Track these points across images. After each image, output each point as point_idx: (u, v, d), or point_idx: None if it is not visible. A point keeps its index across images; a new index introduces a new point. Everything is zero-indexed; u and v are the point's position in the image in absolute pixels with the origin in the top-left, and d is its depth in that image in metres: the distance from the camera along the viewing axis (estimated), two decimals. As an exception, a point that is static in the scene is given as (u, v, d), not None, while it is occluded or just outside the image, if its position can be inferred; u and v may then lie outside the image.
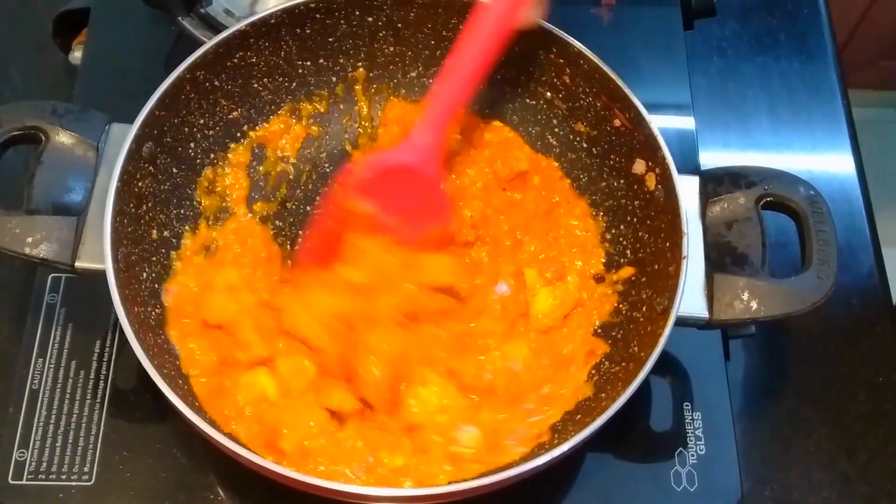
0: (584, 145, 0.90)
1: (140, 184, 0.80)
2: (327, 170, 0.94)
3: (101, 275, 0.72)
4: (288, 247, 0.89)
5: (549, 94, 0.90)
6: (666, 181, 0.78)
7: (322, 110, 0.94)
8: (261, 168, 0.91)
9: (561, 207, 0.89)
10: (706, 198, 0.79)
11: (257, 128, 0.91)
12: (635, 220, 0.84)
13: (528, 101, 0.92)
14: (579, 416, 0.77)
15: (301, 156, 0.94)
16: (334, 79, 0.94)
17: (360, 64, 0.94)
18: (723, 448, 0.84)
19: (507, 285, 0.86)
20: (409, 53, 0.94)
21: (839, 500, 0.85)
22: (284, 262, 0.88)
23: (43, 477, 0.80)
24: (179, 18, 0.97)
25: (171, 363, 0.76)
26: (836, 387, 0.91)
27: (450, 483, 0.70)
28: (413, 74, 0.95)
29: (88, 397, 0.84)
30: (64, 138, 0.79)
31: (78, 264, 0.75)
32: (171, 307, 0.80)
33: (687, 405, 0.86)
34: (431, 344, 0.79)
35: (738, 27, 1.13)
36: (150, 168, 0.81)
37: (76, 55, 1.04)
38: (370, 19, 0.91)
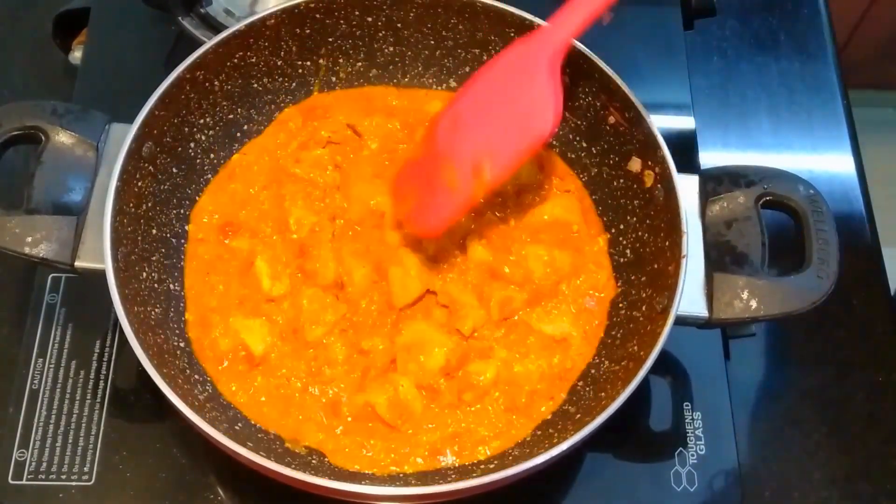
0: (584, 145, 0.90)
1: (140, 183, 0.80)
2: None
3: (101, 275, 0.72)
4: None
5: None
6: (666, 180, 0.78)
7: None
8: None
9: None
10: (706, 197, 0.79)
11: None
12: (635, 219, 0.84)
13: (527, 100, 0.92)
14: (579, 416, 0.77)
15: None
16: (334, 79, 0.94)
17: (359, 63, 0.94)
18: (723, 448, 0.84)
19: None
20: (409, 53, 0.94)
21: (839, 500, 0.85)
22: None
23: (43, 477, 0.80)
24: (179, 18, 0.97)
25: (172, 362, 0.76)
26: (836, 387, 0.91)
27: (450, 483, 0.70)
28: (413, 74, 0.95)
29: (88, 397, 0.84)
30: (64, 138, 0.79)
31: (78, 264, 0.75)
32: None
33: (687, 405, 0.86)
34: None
35: (738, 27, 1.13)
36: (150, 168, 0.81)
37: (76, 55, 1.05)
38: (370, 19, 0.91)
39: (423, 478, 0.76)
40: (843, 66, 1.11)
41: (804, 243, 0.76)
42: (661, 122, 0.80)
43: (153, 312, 0.78)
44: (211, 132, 0.88)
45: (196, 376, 0.79)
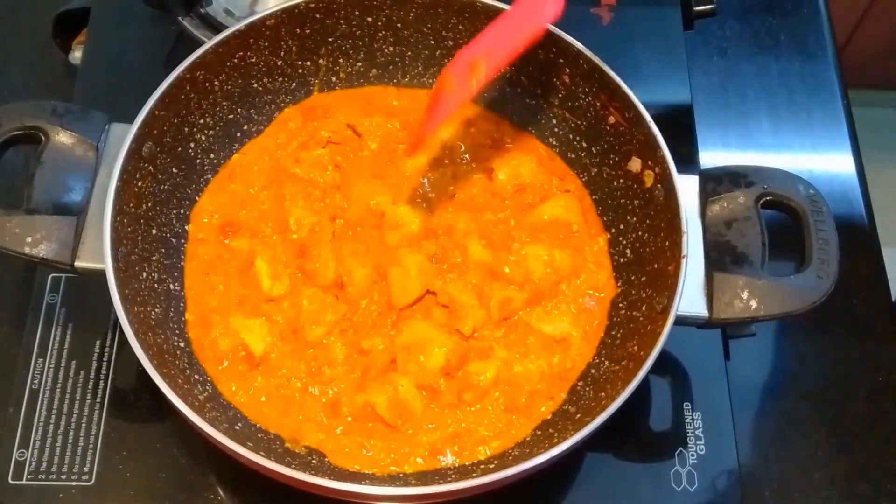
0: (584, 144, 0.90)
1: (140, 183, 0.80)
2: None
3: (101, 274, 0.72)
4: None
5: (548, 93, 0.90)
6: (665, 180, 0.78)
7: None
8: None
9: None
10: (706, 197, 0.79)
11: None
12: (635, 219, 0.84)
13: (527, 101, 0.92)
14: (579, 416, 0.77)
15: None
16: (334, 79, 0.94)
17: (359, 63, 0.94)
18: (723, 448, 0.84)
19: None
20: (409, 53, 0.94)
21: (839, 500, 0.85)
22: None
23: (43, 477, 0.80)
24: (179, 18, 0.97)
25: (172, 362, 0.76)
26: (836, 387, 0.91)
27: (450, 483, 0.70)
28: (413, 74, 0.95)
29: (88, 397, 0.84)
30: (64, 138, 0.79)
31: (78, 264, 0.75)
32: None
33: (687, 405, 0.86)
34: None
35: (738, 27, 1.13)
36: (150, 168, 0.81)
37: (76, 55, 1.05)
38: (370, 19, 0.91)
39: (423, 478, 0.76)
40: (843, 66, 1.11)
41: (804, 243, 0.76)
42: (661, 123, 0.80)
43: (153, 312, 0.78)
44: (211, 132, 0.88)
45: (196, 376, 0.79)
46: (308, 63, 0.92)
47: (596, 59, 0.83)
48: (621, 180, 0.86)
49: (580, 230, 0.87)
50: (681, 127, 1.00)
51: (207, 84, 0.85)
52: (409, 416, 0.78)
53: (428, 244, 0.85)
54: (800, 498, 0.85)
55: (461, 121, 0.92)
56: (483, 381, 0.80)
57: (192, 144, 0.87)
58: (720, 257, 0.77)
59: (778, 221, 0.79)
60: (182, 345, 0.80)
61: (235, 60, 0.87)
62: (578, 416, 0.78)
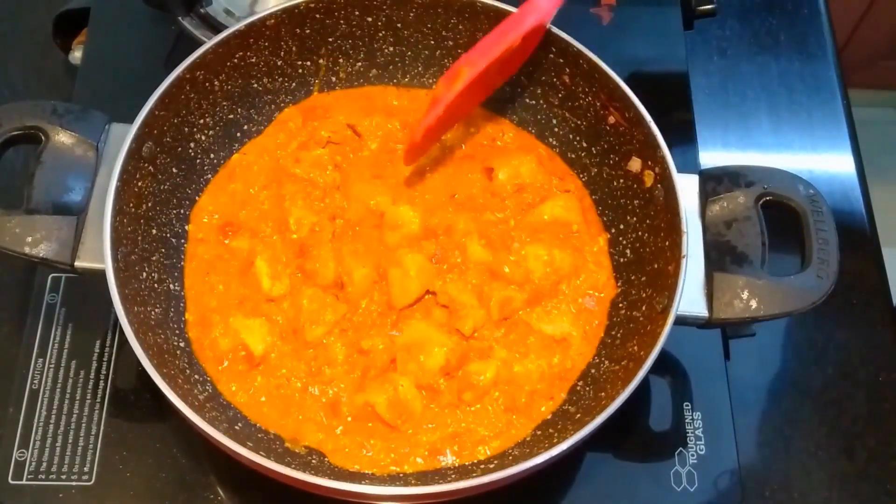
0: (584, 144, 0.90)
1: (140, 183, 0.80)
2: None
3: (101, 274, 0.72)
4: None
5: (548, 93, 0.91)
6: (665, 180, 0.78)
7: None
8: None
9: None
10: (706, 197, 0.79)
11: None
12: (635, 219, 0.84)
13: (527, 101, 0.92)
14: (579, 416, 0.77)
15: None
16: (334, 79, 0.94)
17: (359, 63, 0.94)
18: (723, 448, 0.84)
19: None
20: (409, 53, 0.94)
21: (839, 500, 0.85)
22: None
23: (43, 477, 0.80)
24: (179, 18, 0.97)
25: (172, 362, 0.76)
26: (836, 387, 0.91)
27: (450, 483, 0.70)
28: (413, 74, 0.95)
29: (88, 397, 0.84)
30: (64, 138, 0.79)
31: (78, 264, 0.75)
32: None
33: (687, 405, 0.86)
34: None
35: (738, 27, 1.13)
36: (150, 168, 0.81)
37: (76, 55, 1.05)
38: (370, 19, 0.91)
39: (423, 478, 0.76)
40: (843, 66, 1.11)
41: (804, 243, 0.76)
42: (661, 123, 0.80)
43: (153, 312, 0.78)
44: (211, 132, 0.88)
45: (196, 376, 0.79)
46: (308, 63, 0.92)
47: (596, 59, 0.83)
48: (621, 180, 0.86)
49: (580, 230, 0.87)
50: (681, 127, 1.00)
51: (207, 84, 0.85)
52: (408, 416, 0.78)
53: (428, 244, 0.85)
54: (800, 498, 0.85)
55: (461, 121, 0.92)
56: (483, 380, 0.80)
57: (192, 144, 0.87)
58: (720, 257, 0.77)
59: (778, 221, 0.79)
60: (182, 345, 0.80)
61: (235, 60, 0.87)
62: (578, 415, 0.77)
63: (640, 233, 0.84)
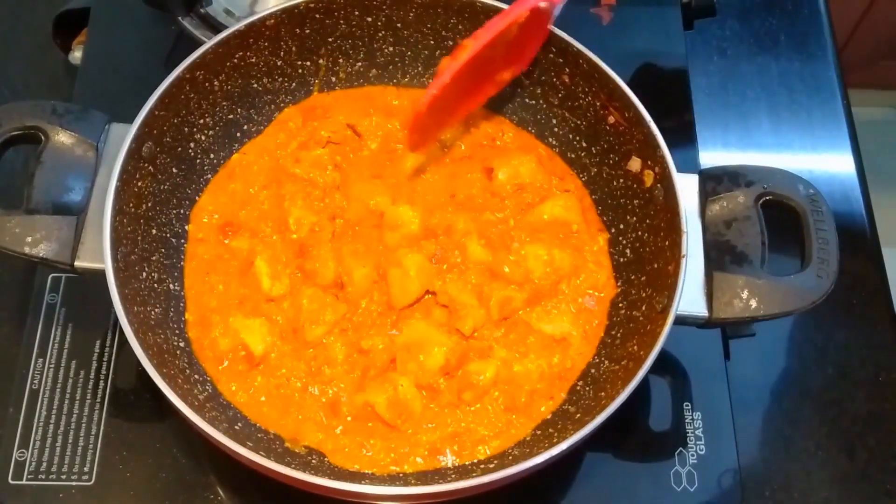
0: (584, 144, 0.90)
1: (140, 183, 0.80)
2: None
3: (101, 274, 0.72)
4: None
5: (548, 93, 0.91)
6: (665, 180, 0.78)
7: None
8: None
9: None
10: (706, 196, 0.79)
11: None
12: (635, 218, 0.84)
13: (527, 100, 0.93)
14: (579, 416, 0.77)
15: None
16: (334, 79, 0.94)
17: (359, 63, 0.94)
18: (723, 448, 0.84)
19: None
20: (409, 53, 0.94)
21: (839, 500, 0.85)
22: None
23: (43, 477, 0.80)
24: (179, 18, 0.97)
25: (172, 362, 0.76)
26: (836, 387, 0.91)
27: (450, 482, 0.70)
28: (413, 74, 0.95)
29: (88, 397, 0.84)
30: (64, 138, 0.79)
31: (78, 264, 0.75)
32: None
33: (687, 405, 0.86)
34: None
35: (738, 27, 1.13)
36: (150, 168, 0.81)
37: (76, 55, 1.05)
38: (370, 19, 0.91)
39: (423, 477, 0.76)
40: (843, 66, 1.11)
41: (804, 243, 0.76)
42: (661, 123, 0.80)
43: (153, 312, 0.78)
44: (211, 132, 0.88)
45: (196, 376, 0.79)
46: (308, 63, 0.92)
47: (596, 59, 0.83)
48: (621, 180, 0.86)
49: (580, 230, 0.87)
50: (681, 127, 1.00)
51: (207, 84, 0.85)
52: (408, 416, 0.78)
53: (427, 244, 0.85)
54: (800, 498, 0.85)
55: (461, 121, 0.92)
56: (483, 380, 0.80)
57: (192, 144, 0.87)
58: (720, 257, 0.77)
59: (778, 221, 0.79)
60: (182, 345, 0.80)
61: (235, 60, 0.87)
62: (578, 415, 0.77)
63: (639, 232, 0.84)
